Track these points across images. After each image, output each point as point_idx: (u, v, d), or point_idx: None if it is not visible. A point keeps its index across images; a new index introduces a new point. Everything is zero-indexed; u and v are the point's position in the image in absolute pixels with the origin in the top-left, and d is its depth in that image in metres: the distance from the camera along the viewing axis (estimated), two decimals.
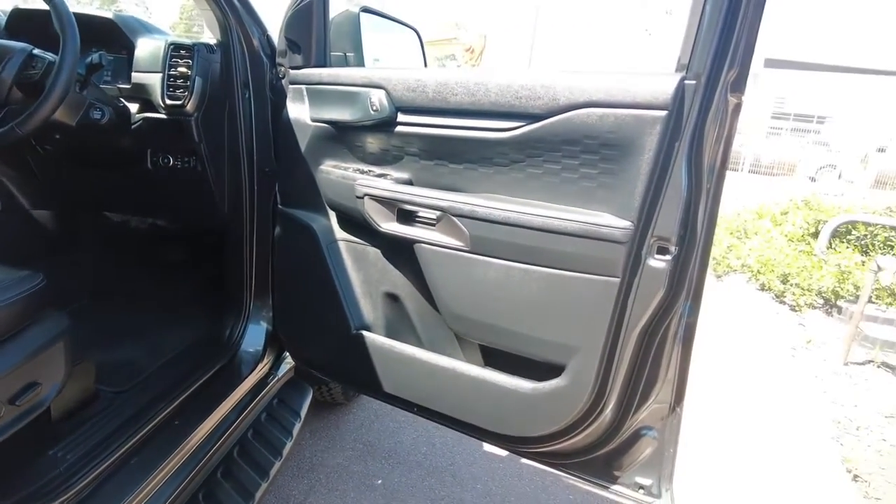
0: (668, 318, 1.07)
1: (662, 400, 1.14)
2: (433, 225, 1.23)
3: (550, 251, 1.10)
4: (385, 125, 1.27)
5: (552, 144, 1.08)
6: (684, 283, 1.04)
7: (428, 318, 1.39)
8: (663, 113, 0.96)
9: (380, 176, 1.32)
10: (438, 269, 1.25)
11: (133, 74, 1.54)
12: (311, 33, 1.40)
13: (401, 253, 1.34)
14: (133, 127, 1.57)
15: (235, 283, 1.64)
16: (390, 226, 1.28)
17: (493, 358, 1.32)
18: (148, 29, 1.61)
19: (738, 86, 0.96)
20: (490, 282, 1.18)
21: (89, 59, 1.37)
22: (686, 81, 0.96)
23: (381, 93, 1.25)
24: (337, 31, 1.53)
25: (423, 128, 1.23)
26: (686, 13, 0.99)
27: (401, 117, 1.25)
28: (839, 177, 16.91)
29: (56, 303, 1.09)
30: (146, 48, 1.54)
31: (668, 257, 1.01)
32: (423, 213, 1.25)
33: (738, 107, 0.98)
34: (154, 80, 1.51)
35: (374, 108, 1.26)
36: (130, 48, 1.55)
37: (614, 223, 1.03)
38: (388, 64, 1.77)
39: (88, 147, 1.63)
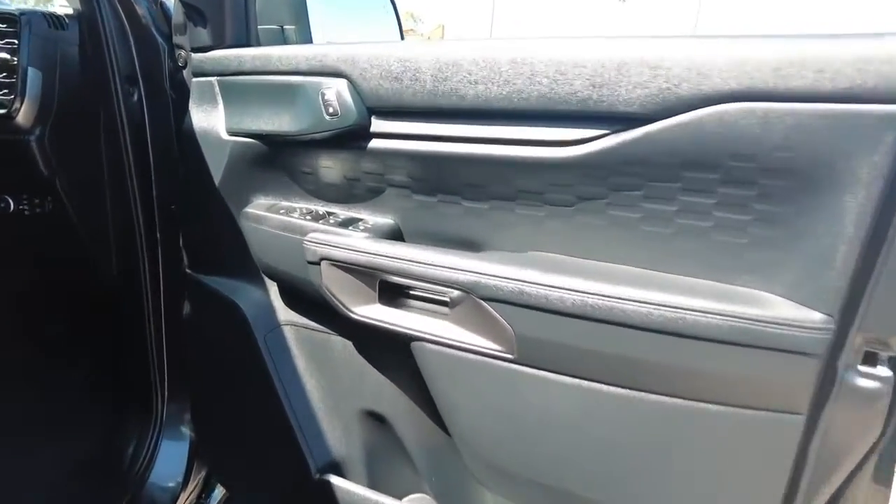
0: (866, 461, 0.62)
1: None
2: (445, 310, 0.72)
3: (667, 367, 0.61)
4: (351, 138, 0.77)
5: (663, 170, 0.60)
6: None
7: (436, 455, 0.87)
8: None
9: (345, 223, 0.80)
10: (457, 388, 0.73)
11: None
12: None
13: (388, 349, 0.82)
14: None
15: (138, 374, 1.11)
16: (368, 310, 0.76)
17: None
18: None
19: None
20: (553, 416, 0.67)
21: None
22: None
23: (342, 84, 0.75)
24: None
25: (417, 141, 0.73)
26: None
27: (377, 124, 0.75)
28: None
29: None
30: None
31: (887, 372, 0.57)
32: (424, 286, 0.74)
33: None
34: None
35: (331, 108, 0.75)
36: None
37: (794, 316, 0.56)
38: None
39: None
